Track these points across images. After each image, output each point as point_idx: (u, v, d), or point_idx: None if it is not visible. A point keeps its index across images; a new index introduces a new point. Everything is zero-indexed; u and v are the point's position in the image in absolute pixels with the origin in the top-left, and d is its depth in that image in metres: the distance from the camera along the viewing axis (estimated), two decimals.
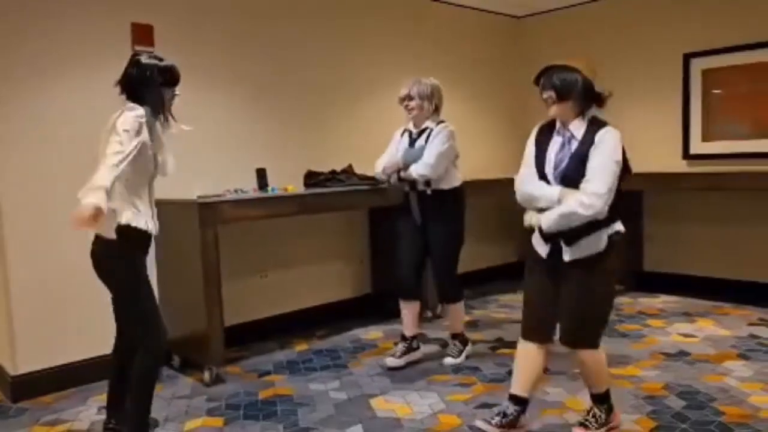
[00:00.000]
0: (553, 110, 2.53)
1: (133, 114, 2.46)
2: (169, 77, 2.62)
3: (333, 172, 4.33)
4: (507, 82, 6.04)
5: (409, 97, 3.56)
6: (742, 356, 3.60)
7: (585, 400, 3.04)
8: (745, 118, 4.80)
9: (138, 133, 2.44)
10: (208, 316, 3.38)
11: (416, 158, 3.50)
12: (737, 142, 4.83)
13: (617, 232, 2.52)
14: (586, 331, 2.55)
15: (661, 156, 4.97)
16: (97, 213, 2.21)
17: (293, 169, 4.26)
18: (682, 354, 3.68)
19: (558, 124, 2.57)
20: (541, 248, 2.58)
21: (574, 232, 2.45)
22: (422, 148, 3.51)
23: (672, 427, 2.74)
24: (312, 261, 4.58)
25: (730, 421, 2.77)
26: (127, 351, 2.68)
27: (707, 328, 4.17)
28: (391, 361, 3.61)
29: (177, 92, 2.67)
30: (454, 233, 3.61)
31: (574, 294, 2.51)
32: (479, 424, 2.70)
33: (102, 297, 3.56)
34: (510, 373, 3.44)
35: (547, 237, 2.52)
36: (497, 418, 2.66)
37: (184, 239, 3.48)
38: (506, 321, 4.54)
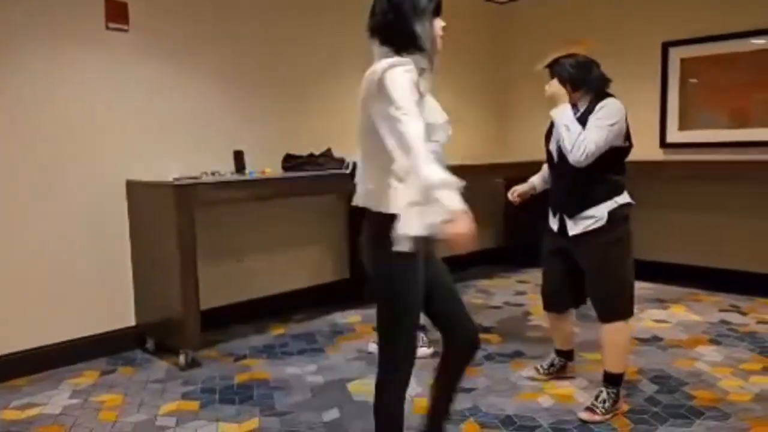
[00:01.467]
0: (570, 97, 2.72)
1: (402, 69, 1.75)
2: (438, 3, 1.90)
3: (311, 155, 4.30)
4: (490, 69, 6.04)
5: None
6: (713, 341, 3.66)
7: (560, 384, 3.08)
8: (721, 108, 4.85)
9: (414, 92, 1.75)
10: (183, 300, 3.35)
11: None
12: (713, 131, 4.88)
13: (621, 206, 2.68)
14: (612, 303, 2.71)
15: (638, 144, 4.97)
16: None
17: (271, 152, 4.21)
18: (655, 339, 3.74)
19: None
20: (553, 223, 2.85)
21: (573, 206, 2.70)
22: None
23: (644, 410, 2.79)
24: (290, 245, 4.56)
25: (700, 405, 2.83)
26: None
27: (680, 314, 4.24)
28: (373, 347, 3.60)
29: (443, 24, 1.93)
30: None
31: (589, 270, 2.73)
32: (528, 373, 3.18)
33: (73, 279, 3.52)
34: (487, 357, 3.50)
35: (553, 211, 2.82)
36: (545, 367, 3.15)
37: (159, 221, 3.43)
38: (483, 307, 4.57)
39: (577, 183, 2.68)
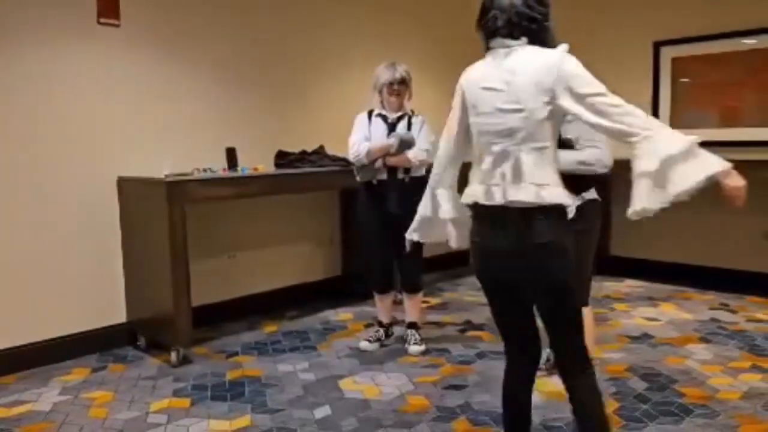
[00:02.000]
0: None
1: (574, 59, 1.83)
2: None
3: (304, 152, 4.29)
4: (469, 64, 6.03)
5: (403, 82, 3.46)
6: (704, 339, 3.69)
7: (552, 381, 3.09)
8: (711, 107, 4.88)
9: None
10: (175, 297, 3.34)
11: (411, 143, 3.41)
12: (703, 130, 4.90)
13: (589, 200, 2.79)
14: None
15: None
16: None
17: (264, 149, 4.20)
18: (645, 337, 3.76)
19: None
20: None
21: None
22: (412, 135, 3.43)
23: (634, 408, 2.80)
24: (282, 242, 4.55)
25: (690, 402, 2.85)
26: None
27: (670, 312, 4.26)
28: (366, 346, 3.62)
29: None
30: None
31: None
32: None
33: (63, 276, 3.51)
34: (479, 354, 3.51)
35: None
36: (543, 362, 2.92)
37: (151, 218, 3.42)
38: (476, 304, 4.57)
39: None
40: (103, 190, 3.62)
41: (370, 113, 3.60)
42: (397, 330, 3.92)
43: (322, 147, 4.37)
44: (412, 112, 3.58)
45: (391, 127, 3.51)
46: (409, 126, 3.50)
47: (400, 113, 3.54)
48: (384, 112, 3.56)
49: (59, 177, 3.46)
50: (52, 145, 3.43)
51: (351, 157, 3.52)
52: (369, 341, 3.65)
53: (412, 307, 3.68)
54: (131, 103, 3.70)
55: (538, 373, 3.14)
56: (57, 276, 3.49)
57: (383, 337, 3.70)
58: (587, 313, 2.85)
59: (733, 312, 4.23)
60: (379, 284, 3.65)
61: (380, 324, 3.72)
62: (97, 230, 3.61)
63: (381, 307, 3.70)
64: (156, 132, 3.82)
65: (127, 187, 3.64)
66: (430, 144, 3.43)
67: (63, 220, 3.49)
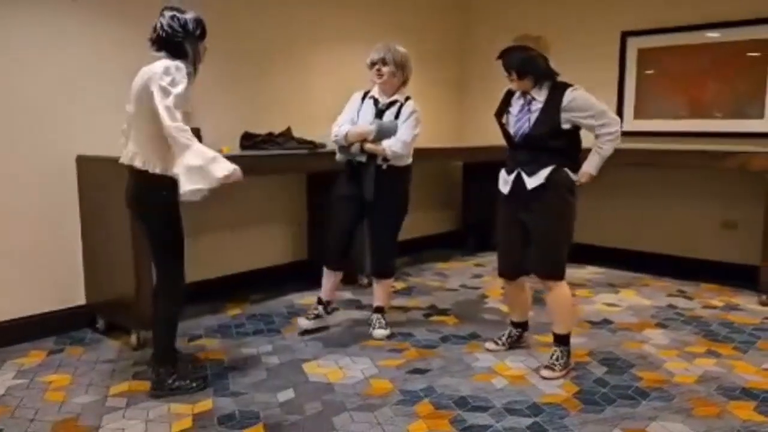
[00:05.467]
0: (515, 85, 2.99)
1: (175, 64, 2.58)
2: (203, 29, 2.72)
3: (270, 134, 4.23)
4: (449, 58, 6.03)
5: (384, 62, 3.37)
6: (661, 325, 3.78)
7: (513, 366, 3.14)
8: (674, 98, 4.97)
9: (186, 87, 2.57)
10: (136, 278, 3.27)
11: (391, 133, 3.37)
12: (666, 121, 5.01)
13: (569, 175, 2.95)
14: (550, 259, 2.99)
15: None
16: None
17: (229, 130, 4.13)
18: (605, 322, 3.84)
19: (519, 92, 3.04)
20: (505, 186, 3.08)
21: (533, 165, 2.94)
22: (395, 125, 3.38)
23: (593, 391, 2.86)
24: (247, 225, 4.49)
25: (647, 386, 2.92)
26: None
27: (630, 298, 4.36)
28: (304, 323, 3.58)
29: (206, 45, 2.76)
30: (401, 211, 3.55)
31: (537, 225, 2.97)
32: (488, 345, 3.35)
33: (19, 256, 3.40)
34: (443, 339, 3.54)
35: (509, 171, 3.05)
36: (504, 339, 3.34)
37: (112, 197, 3.32)
38: (440, 289, 4.60)
39: (537, 151, 2.95)
40: (62, 168, 3.51)
41: (366, 94, 3.54)
42: (365, 314, 3.93)
43: (289, 129, 4.32)
44: (407, 99, 3.49)
45: (379, 113, 3.44)
46: (398, 114, 3.43)
47: (392, 99, 3.47)
48: (377, 96, 3.50)
49: (15, 154, 3.34)
50: (7, 121, 3.31)
51: (332, 136, 3.48)
52: (307, 318, 3.61)
53: (381, 292, 3.66)
54: (91, 78, 3.58)
55: (498, 354, 3.22)
56: (12, 257, 3.38)
57: (322, 314, 3.64)
58: (564, 292, 3.04)
59: (690, 299, 4.35)
60: (332, 260, 3.59)
61: (319, 301, 3.65)
62: (54, 210, 3.51)
63: (326, 282, 3.63)
64: (118, 110, 3.67)
65: (86, 165, 3.54)
66: (412, 137, 3.40)
67: (18, 199, 3.37)
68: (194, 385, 2.81)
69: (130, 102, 2.72)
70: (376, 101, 3.49)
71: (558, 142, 2.93)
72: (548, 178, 2.92)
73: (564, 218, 2.98)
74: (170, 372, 2.78)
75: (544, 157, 2.94)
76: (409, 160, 3.52)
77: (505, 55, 2.93)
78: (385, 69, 3.39)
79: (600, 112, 2.91)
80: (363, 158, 3.42)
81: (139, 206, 2.75)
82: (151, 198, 2.69)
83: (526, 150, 2.99)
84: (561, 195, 2.94)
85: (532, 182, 2.95)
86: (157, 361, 2.80)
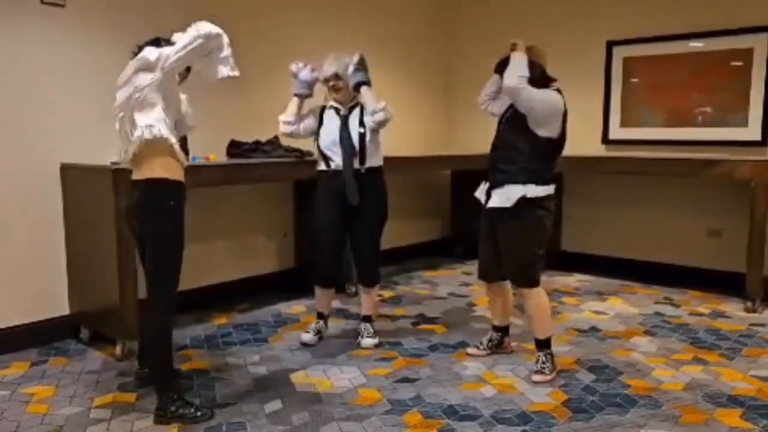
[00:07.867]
0: None
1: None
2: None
3: (258, 142, 4.21)
4: (437, 64, 6.05)
5: (337, 77, 3.38)
6: (648, 332, 3.79)
7: (502, 374, 3.14)
8: (659, 107, 5.01)
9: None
10: (121, 288, 3.23)
11: (365, 80, 3.35)
12: (652, 129, 5.05)
13: (534, 198, 2.96)
14: (520, 270, 3.07)
15: (581, 140, 5.12)
16: None
17: (216, 138, 4.10)
18: (593, 330, 3.84)
19: None
20: (481, 194, 3.18)
21: (498, 174, 3.02)
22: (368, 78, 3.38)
23: (582, 399, 2.86)
24: (234, 234, 4.46)
25: (634, 393, 2.92)
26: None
27: (617, 306, 4.37)
28: (306, 337, 3.57)
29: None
30: (384, 215, 3.54)
31: (503, 238, 3.07)
32: (470, 350, 3.40)
33: (1, 265, 3.35)
34: (431, 347, 3.53)
35: (485, 178, 3.14)
36: (485, 343, 3.38)
37: (96, 206, 3.30)
38: (428, 297, 4.59)
39: (508, 156, 3.01)
40: (46, 177, 3.47)
41: (323, 109, 3.52)
42: (353, 324, 3.91)
43: (276, 137, 4.30)
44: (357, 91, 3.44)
45: (344, 120, 3.43)
46: (362, 115, 3.42)
47: (352, 103, 3.47)
48: (336, 105, 3.49)
49: None
50: None
51: (280, 121, 3.56)
52: (309, 333, 3.59)
53: (368, 301, 3.65)
54: (76, 87, 3.55)
55: (485, 361, 3.21)
56: None
57: (323, 329, 3.65)
58: (539, 300, 3.09)
59: (677, 306, 4.37)
60: (325, 278, 3.57)
61: (320, 315, 3.65)
62: (38, 219, 3.47)
63: (322, 299, 3.63)
64: (102, 117, 3.66)
65: (70, 174, 3.51)
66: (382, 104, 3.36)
67: (0, 207, 3.33)
68: (199, 414, 2.63)
69: (118, 88, 2.79)
70: (337, 110, 3.48)
71: (529, 151, 2.97)
72: (503, 204, 3.00)
73: (531, 232, 3.03)
74: (173, 398, 2.62)
75: (510, 164, 3.00)
76: (382, 162, 3.53)
77: (505, 64, 2.99)
78: (340, 83, 3.40)
79: (531, 89, 2.95)
80: (339, 164, 3.40)
81: (146, 216, 2.66)
82: (160, 206, 2.62)
83: (500, 150, 3.09)
84: (527, 211, 2.99)
85: (491, 201, 3.06)
86: (158, 388, 2.65)
